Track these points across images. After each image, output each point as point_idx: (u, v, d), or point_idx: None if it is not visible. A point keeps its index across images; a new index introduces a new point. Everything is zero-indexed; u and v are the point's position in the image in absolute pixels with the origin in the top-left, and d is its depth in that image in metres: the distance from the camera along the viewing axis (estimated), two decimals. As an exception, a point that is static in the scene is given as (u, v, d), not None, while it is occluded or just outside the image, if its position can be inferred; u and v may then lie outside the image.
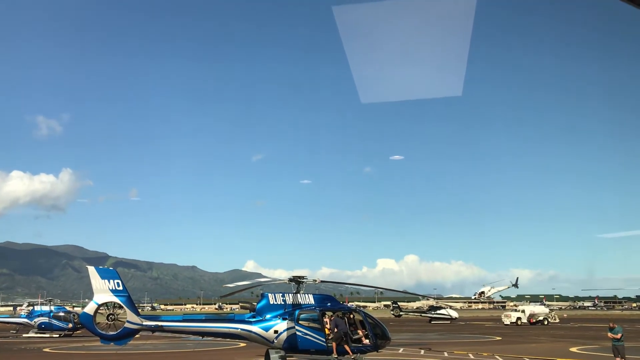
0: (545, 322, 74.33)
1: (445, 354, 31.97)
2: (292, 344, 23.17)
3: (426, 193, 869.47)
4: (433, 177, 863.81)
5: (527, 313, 75.00)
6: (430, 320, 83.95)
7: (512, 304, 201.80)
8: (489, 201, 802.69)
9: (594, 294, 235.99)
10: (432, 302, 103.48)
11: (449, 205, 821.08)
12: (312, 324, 23.35)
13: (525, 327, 67.56)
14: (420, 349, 35.22)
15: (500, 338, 47.34)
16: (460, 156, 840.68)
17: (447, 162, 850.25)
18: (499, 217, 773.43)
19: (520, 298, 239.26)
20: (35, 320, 53.15)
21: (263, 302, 24.10)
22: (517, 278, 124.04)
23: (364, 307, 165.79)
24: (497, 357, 30.46)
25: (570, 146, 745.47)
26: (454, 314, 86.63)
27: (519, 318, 74.45)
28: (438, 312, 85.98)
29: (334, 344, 23.09)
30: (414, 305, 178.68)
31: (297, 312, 23.54)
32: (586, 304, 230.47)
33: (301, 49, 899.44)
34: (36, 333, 52.20)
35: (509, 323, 73.93)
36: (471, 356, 30.99)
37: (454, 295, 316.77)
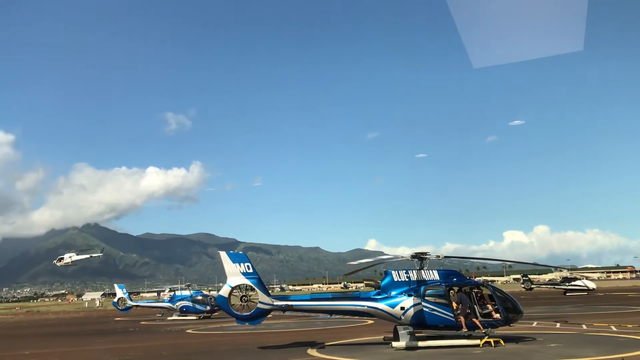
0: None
1: (584, 327, 30.19)
2: (419, 320, 23.10)
3: (552, 157, 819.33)
4: (558, 139, 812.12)
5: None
6: (564, 292, 79.73)
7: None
8: (626, 160, 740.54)
9: None
10: (565, 273, 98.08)
11: (580, 168, 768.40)
12: (438, 300, 23.12)
13: (675, 296, 62.09)
14: (556, 321, 33.57)
15: (645, 309, 43.87)
16: (587, 114, 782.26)
17: (573, 122, 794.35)
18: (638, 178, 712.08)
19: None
20: (177, 304, 57.38)
21: (387, 280, 24.20)
22: (102, 251, 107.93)
23: (492, 281, 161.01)
24: (644, 328, 28.21)
25: None
26: (591, 285, 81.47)
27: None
28: (573, 283, 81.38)
29: (462, 319, 22.71)
30: (546, 277, 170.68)
31: (422, 288, 23.40)
32: None
33: (409, 18, 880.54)
34: (178, 316, 56.21)
35: (655, 292, 68.40)
36: (613, 328, 28.99)
37: (589, 266, 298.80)
